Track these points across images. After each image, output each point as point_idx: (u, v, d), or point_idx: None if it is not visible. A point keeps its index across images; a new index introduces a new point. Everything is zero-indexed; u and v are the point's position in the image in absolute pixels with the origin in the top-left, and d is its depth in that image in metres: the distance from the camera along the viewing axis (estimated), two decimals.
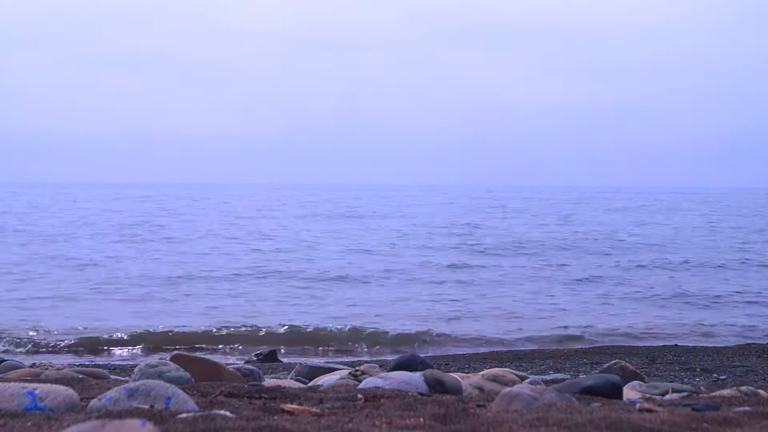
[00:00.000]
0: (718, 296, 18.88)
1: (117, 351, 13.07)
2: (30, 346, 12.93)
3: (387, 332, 14.15)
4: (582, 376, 8.26)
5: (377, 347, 13.54)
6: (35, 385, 3.77)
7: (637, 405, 3.76)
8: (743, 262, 25.95)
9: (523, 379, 5.93)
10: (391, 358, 10.90)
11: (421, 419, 3.36)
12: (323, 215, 51.98)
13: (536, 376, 7.05)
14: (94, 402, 3.68)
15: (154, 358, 8.87)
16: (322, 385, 5.52)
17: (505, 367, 8.70)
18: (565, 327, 14.90)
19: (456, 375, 5.83)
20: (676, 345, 13.20)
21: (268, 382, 5.85)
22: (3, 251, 26.84)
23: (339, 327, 14.30)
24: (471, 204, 73.18)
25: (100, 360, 12.21)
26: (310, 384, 6.09)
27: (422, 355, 8.28)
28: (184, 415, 3.28)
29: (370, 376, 5.43)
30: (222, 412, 3.45)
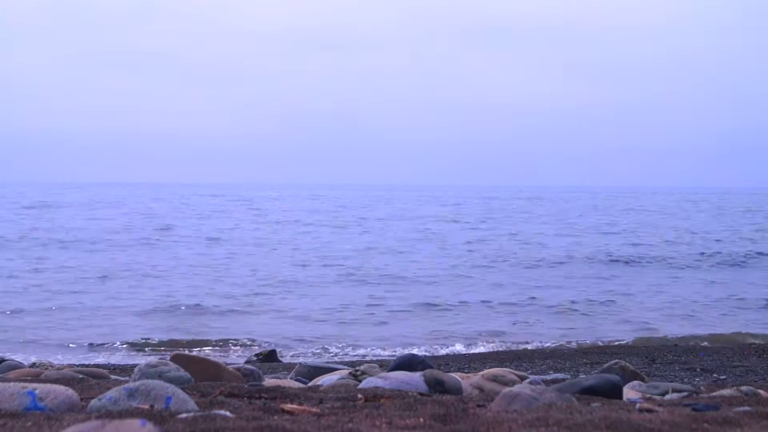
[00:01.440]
0: None
1: None
2: None
3: None
4: (582, 376, 8.25)
5: None
6: (35, 385, 3.77)
7: (637, 405, 3.76)
8: None
9: (523, 379, 5.92)
10: (391, 358, 10.91)
11: (421, 419, 3.36)
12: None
13: (536, 376, 7.04)
14: (94, 402, 3.68)
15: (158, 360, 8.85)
16: (322, 385, 5.52)
17: (505, 367, 8.70)
18: None
19: (456, 375, 5.83)
20: (676, 345, 13.20)
21: (268, 382, 5.85)
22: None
23: None
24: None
25: (100, 360, 12.22)
26: (310, 384, 6.08)
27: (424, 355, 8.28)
28: (184, 415, 3.28)
29: (370, 376, 5.43)
30: (222, 412, 3.45)
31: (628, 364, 7.40)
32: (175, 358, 5.68)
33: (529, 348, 13.34)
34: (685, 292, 19.80)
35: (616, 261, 26.49)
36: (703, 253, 28.53)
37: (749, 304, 18.16)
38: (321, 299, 18.67)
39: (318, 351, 13.27)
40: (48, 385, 3.76)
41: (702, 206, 73.04)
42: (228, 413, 3.42)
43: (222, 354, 12.81)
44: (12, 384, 3.77)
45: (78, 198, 76.63)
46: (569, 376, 8.93)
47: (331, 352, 13.19)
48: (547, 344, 13.71)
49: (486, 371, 5.94)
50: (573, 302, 17.99)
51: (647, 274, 23.78)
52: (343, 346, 13.59)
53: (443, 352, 13.06)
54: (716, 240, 34.71)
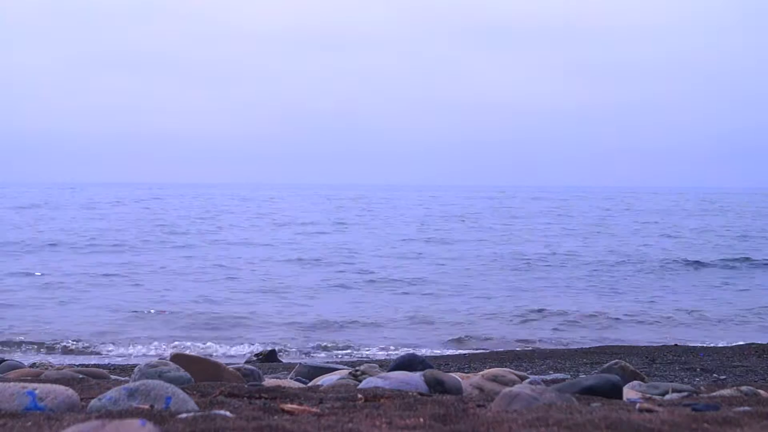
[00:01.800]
0: None
1: None
2: None
3: None
4: (582, 376, 8.25)
5: None
6: (35, 385, 3.77)
7: (637, 405, 3.76)
8: None
9: (523, 379, 5.92)
10: (391, 358, 10.91)
11: (421, 419, 3.36)
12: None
13: (536, 376, 7.05)
14: (94, 402, 3.68)
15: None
16: (322, 385, 5.52)
17: (505, 367, 8.70)
18: None
19: (456, 375, 5.83)
20: (676, 345, 13.19)
21: (268, 382, 5.85)
22: None
23: None
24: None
25: (100, 360, 12.22)
26: (310, 384, 6.08)
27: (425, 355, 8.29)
28: (184, 415, 3.28)
29: (370, 376, 5.43)
30: (222, 412, 3.45)
31: (628, 364, 7.39)
32: (175, 358, 5.68)
33: (529, 348, 13.34)
34: None
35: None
36: None
37: None
38: (322, 299, 18.68)
39: (318, 351, 13.27)
40: (48, 385, 3.76)
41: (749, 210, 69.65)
42: (228, 413, 3.42)
43: (222, 354, 12.81)
44: (12, 384, 3.77)
45: (90, 198, 76.16)
46: (569, 376, 8.93)
47: (331, 352, 13.19)
48: (548, 344, 13.71)
49: (486, 371, 5.94)
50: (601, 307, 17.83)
51: None
52: (343, 346, 13.60)
53: (443, 352, 13.06)
54: None
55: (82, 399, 3.86)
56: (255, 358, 11.88)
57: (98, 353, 13.04)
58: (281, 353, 12.68)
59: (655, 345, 13.26)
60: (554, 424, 3.11)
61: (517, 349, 13.23)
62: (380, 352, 13.03)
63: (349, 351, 13.24)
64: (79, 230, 36.59)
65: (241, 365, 7.02)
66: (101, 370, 7.70)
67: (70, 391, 3.76)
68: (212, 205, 65.30)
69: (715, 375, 9.78)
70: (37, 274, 21.98)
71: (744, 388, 5.19)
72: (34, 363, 10.36)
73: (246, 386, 4.72)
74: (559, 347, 13.37)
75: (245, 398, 4.11)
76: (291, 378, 7.08)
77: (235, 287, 20.22)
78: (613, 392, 4.55)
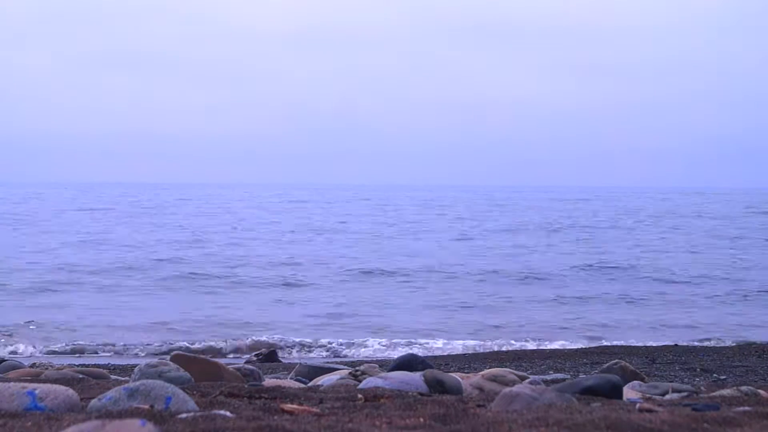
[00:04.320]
0: None
1: None
2: None
3: None
4: (582, 376, 8.25)
5: None
6: (35, 385, 3.77)
7: (637, 405, 3.76)
8: None
9: (523, 379, 5.92)
10: (391, 358, 10.91)
11: (421, 419, 3.36)
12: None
13: (536, 376, 7.05)
14: (94, 402, 3.68)
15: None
16: (322, 385, 5.52)
17: (505, 367, 8.70)
18: None
19: (456, 375, 5.83)
20: (676, 345, 13.20)
21: (268, 382, 5.85)
22: None
23: None
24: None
25: (101, 360, 12.22)
26: (310, 384, 6.08)
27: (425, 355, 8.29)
28: (184, 415, 3.28)
29: (370, 376, 5.43)
30: (222, 412, 3.45)
31: (628, 364, 7.40)
32: (175, 358, 5.68)
33: (529, 348, 13.33)
34: None
35: None
36: None
37: None
38: (322, 298, 18.68)
39: (318, 351, 13.26)
40: (48, 385, 3.76)
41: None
42: (228, 413, 3.42)
43: (222, 354, 12.81)
44: (12, 384, 3.77)
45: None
46: (569, 376, 8.93)
47: (331, 352, 13.19)
48: (548, 344, 13.69)
49: (486, 371, 5.95)
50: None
51: None
52: (343, 345, 13.59)
53: (443, 352, 13.06)
54: None
55: (82, 399, 3.86)
56: (255, 358, 11.88)
57: None
58: (281, 353, 12.68)
59: (654, 345, 13.26)
60: (554, 424, 3.11)
61: (518, 349, 13.23)
62: (380, 351, 13.00)
63: (349, 351, 13.20)
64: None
65: (241, 365, 7.03)
66: (101, 370, 7.70)
67: (70, 391, 3.76)
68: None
69: (715, 375, 9.78)
70: None
71: (744, 388, 5.19)
72: (34, 363, 10.36)
73: (246, 386, 4.72)
74: (559, 347, 13.34)
75: (245, 398, 4.11)
76: (291, 378, 7.08)
77: (239, 287, 20.17)
78: (613, 392, 4.55)
